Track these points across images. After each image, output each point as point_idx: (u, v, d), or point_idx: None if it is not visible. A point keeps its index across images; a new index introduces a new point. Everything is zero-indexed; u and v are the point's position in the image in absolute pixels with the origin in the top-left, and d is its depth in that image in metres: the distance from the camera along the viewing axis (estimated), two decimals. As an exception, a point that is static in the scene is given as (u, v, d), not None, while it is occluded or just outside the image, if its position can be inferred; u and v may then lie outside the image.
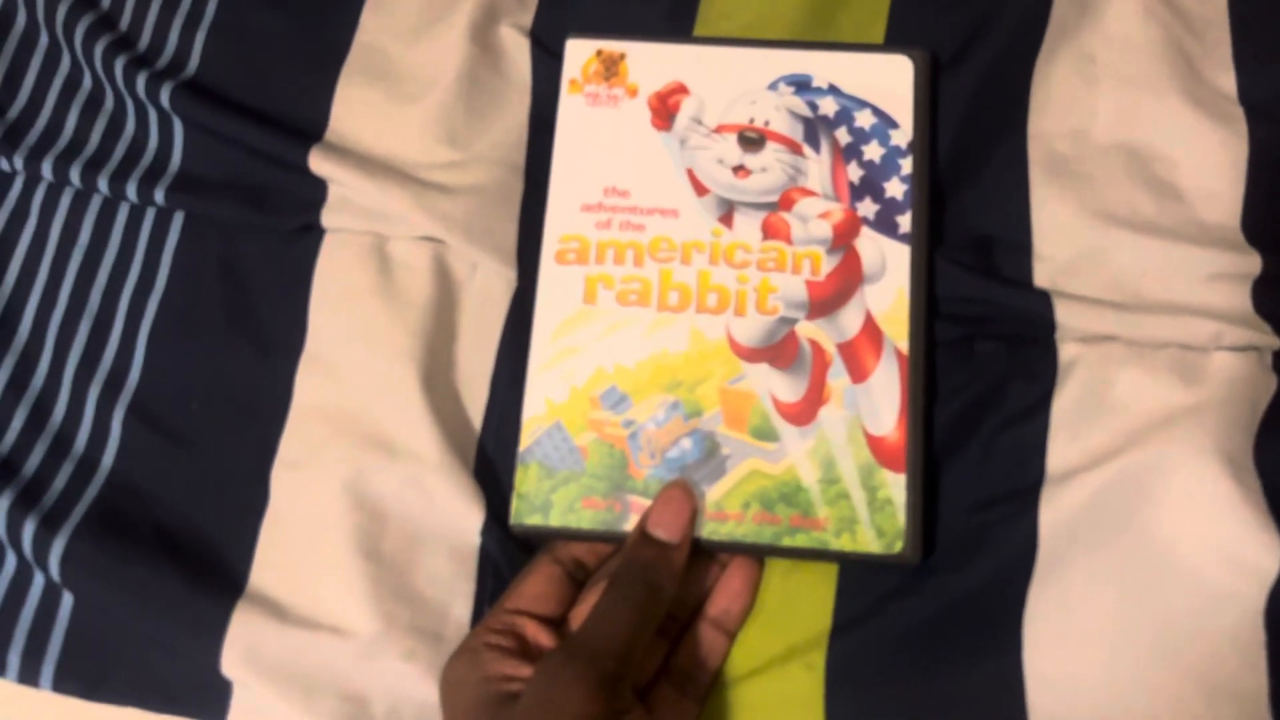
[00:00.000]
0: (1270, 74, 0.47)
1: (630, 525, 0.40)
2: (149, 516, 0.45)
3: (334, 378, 0.47)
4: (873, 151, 0.42)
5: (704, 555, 0.41)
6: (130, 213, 0.51)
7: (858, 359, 0.41)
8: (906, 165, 0.42)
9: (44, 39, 0.54)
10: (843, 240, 0.42)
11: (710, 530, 0.40)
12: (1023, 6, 0.50)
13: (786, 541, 0.39)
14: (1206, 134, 0.47)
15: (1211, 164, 0.46)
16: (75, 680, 0.43)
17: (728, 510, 0.40)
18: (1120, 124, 0.48)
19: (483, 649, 0.38)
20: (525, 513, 0.41)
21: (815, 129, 0.43)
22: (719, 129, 0.43)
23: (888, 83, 0.43)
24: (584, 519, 0.40)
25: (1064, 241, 0.46)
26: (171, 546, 0.45)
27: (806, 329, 0.41)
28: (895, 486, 0.39)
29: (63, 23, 0.53)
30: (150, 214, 0.51)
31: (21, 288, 0.50)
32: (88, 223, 0.51)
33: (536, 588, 0.40)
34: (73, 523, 0.44)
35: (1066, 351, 0.44)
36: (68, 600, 0.44)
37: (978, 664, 0.41)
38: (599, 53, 0.45)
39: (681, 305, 0.42)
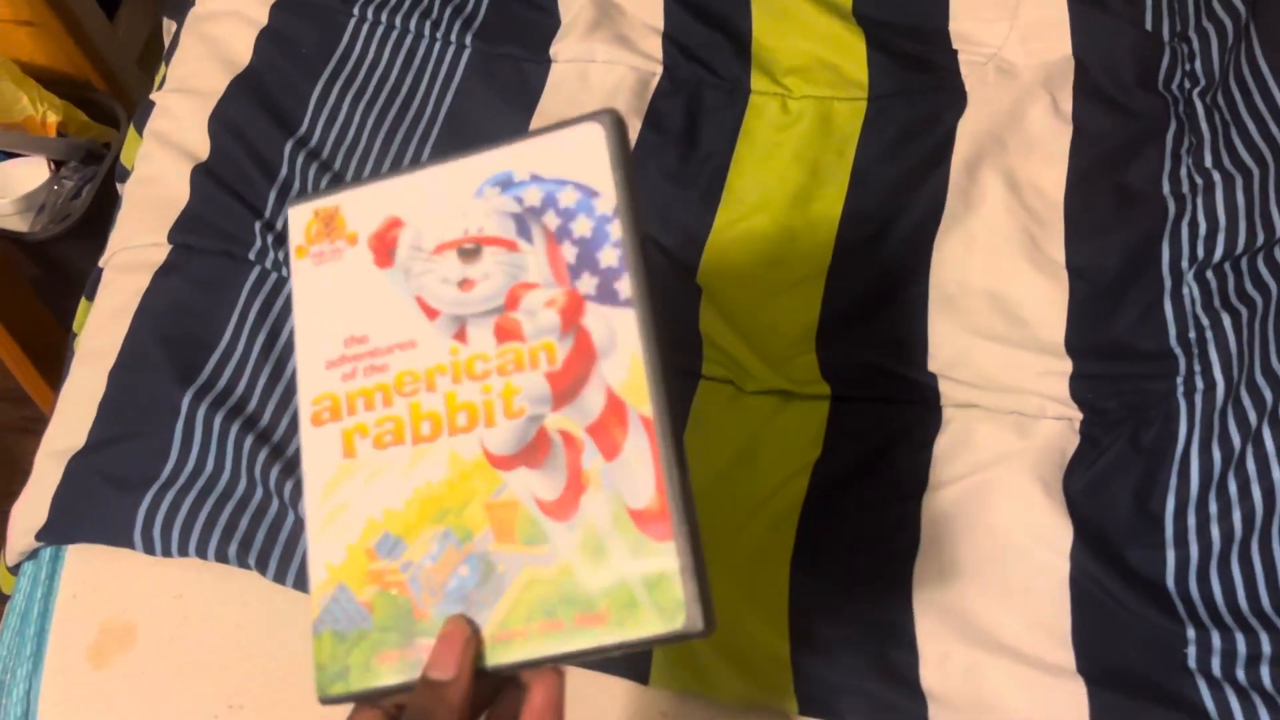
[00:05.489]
0: (1083, 252, 0.74)
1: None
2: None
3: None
4: (582, 226, 0.41)
5: (512, 681, 0.40)
6: None
7: (607, 436, 0.39)
8: (615, 230, 0.41)
9: None
10: (571, 322, 0.40)
11: (499, 654, 0.39)
12: (927, 200, 0.77)
13: (572, 645, 0.38)
14: (1042, 285, 0.73)
15: (1045, 304, 0.73)
16: (308, 580, 0.65)
17: (513, 628, 0.38)
18: (988, 277, 0.74)
19: None
20: (327, 684, 0.40)
21: (525, 222, 0.42)
22: (438, 249, 0.43)
23: (584, 154, 0.42)
24: (381, 675, 0.40)
25: (948, 345, 0.71)
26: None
27: (555, 421, 0.40)
28: (666, 556, 0.37)
29: None
30: None
31: (290, 344, 0.74)
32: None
33: None
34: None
35: (946, 413, 0.69)
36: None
37: (880, 602, 0.63)
38: (316, 212, 0.45)
39: (434, 433, 0.41)
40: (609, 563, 0.38)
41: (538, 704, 0.39)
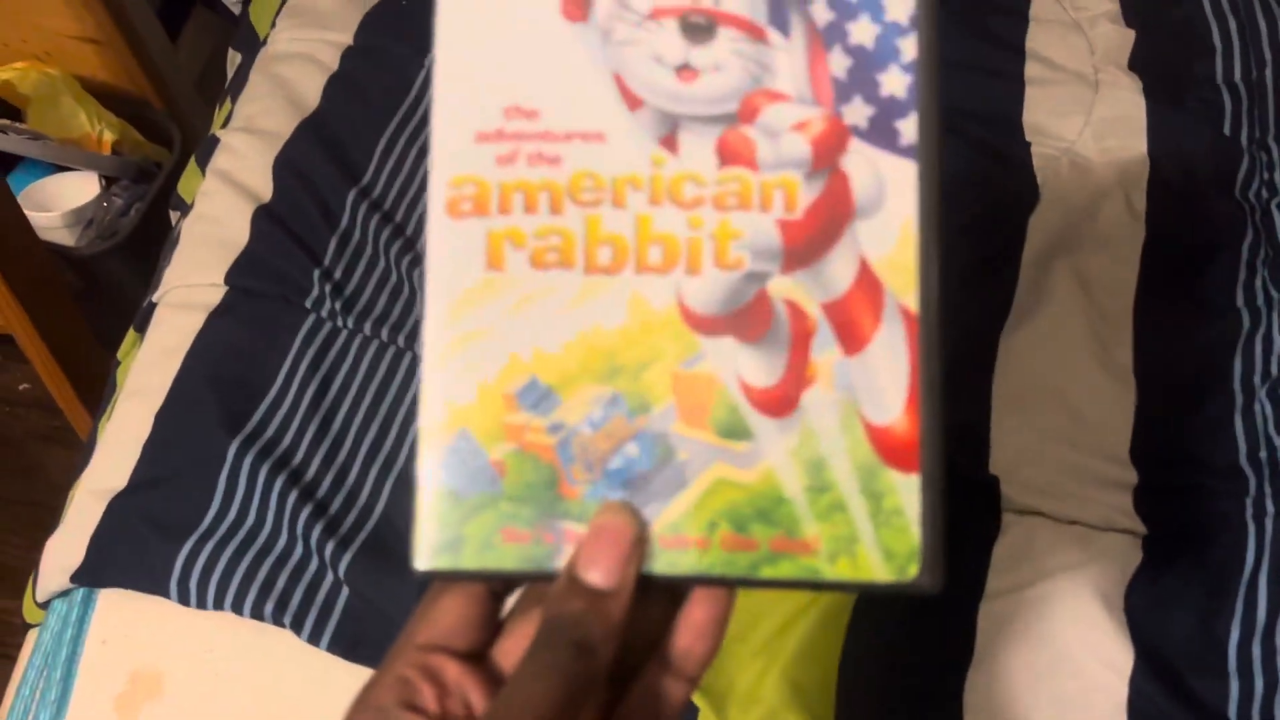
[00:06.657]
0: (1152, 358, 0.72)
1: (565, 561, 0.31)
2: (403, 546, 0.66)
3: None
4: (862, 32, 0.32)
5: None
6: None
7: (851, 323, 0.31)
8: (909, 47, 0.32)
9: (369, 250, 0.79)
10: (826, 160, 0.32)
11: (667, 563, 0.31)
12: (996, 293, 0.76)
13: (766, 572, 0.31)
14: (1110, 389, 0.71)
15: (1111, 409, 0.71)
16: (342, 644, 0.63)
17: (688, 534, 0.31)
18: (1055, 375, 0.72)
19: (395, 710, 0.30)
20: (430, 554, 0.33)
21: (783, 5, 0.32)
22: (654, 14, 0.32)
23: None
24: (506, 557, 0.32)
25: (1011, 447, 0.70)
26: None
27: (781, 286, 0.32)
28: (906, 491, 0.31)
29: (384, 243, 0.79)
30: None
31: (339, 398, 0.73)
32: (385, 364, 0.75)
33: (454, 613, 0.32)
34: (355, 546, 0.66)
35: (1007, 518, 0.67)
36: (345, 592, 0.65)
37: (931, 710, 0.61)
38: None
39: (616, 265, 0.32)
40: (829, 482, 0.31)
41: (699, 619, 0.32)
